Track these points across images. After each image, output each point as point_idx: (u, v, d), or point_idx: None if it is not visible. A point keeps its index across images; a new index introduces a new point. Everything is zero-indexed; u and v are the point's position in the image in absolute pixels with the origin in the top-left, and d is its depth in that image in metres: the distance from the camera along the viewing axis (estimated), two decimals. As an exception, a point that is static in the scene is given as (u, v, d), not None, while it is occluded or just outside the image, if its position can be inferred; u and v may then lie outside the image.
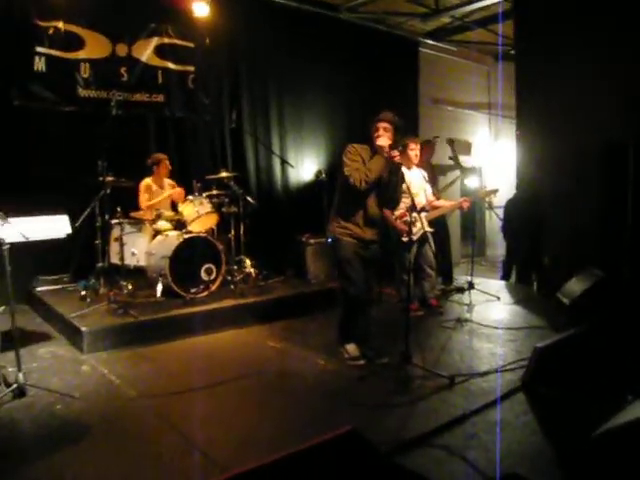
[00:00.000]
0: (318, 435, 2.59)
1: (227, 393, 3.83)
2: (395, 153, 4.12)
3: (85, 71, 6.63)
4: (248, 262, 6.41)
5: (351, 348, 4.32)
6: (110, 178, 5.51)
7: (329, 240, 4.50)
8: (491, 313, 5.82)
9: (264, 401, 3.71)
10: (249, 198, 6.45)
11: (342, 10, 8.52)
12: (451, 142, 7.30)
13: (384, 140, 4.16)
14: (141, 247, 5.98)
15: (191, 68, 7.50)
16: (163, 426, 3.29)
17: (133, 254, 5.95)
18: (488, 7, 8.33)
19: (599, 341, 4.26)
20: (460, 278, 7.31)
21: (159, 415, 3.44)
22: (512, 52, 8.80)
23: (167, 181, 6.54)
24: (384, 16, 8.93)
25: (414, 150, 5.56)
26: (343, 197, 4.30)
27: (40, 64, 6.34)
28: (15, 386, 3.60)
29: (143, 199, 6.27)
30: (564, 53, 7.02)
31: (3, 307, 3.82)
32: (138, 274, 6.01)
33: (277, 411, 3.53)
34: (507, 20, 8.42)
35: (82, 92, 6.62)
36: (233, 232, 6.37)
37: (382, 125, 4.22)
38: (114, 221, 5.83)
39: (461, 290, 6.63)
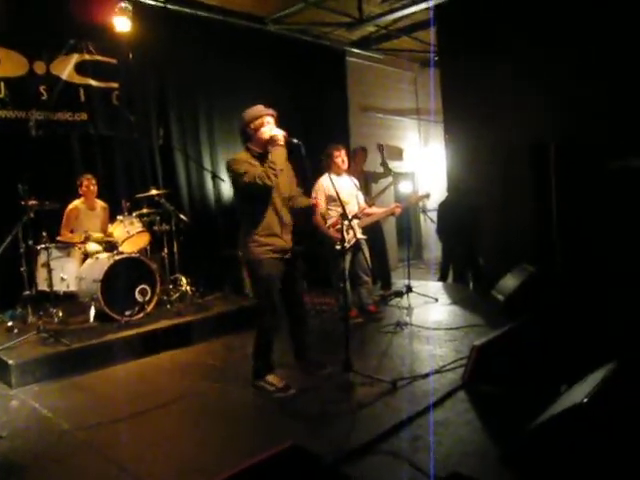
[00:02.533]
0: (260, 452, 2.54)
1: (165, 417, 3.71)
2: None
3: (0, 91, 6.35)
4: (184, 280, 6.28)
5: (274, 379, 3.98)
6: (33, 202, 5.28)
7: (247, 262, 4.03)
8: (430, 315, 5.90)
9: (204, 422, 3.61)
10: (181, 215, 6.33)
11: (268, 22, 8.51)
12: (380, 148, 7.43)
13: (278, 130, 3.90)
14: (71, 272, 5.76)
15: (115, 85, 7.29)
16: (99, 458, 3.15)
17: (62, 279, 5.71)
18: (411, 15, 8.48)
19: (534, 335, 4.37)
20: (398, 282, 7.39)
21: (94, 447, 3.29)
22: (437, 59, 9.02)
23: (98, 202, 6.36)
24: (310, 27, 8.99)
25: (339, 157, 5.58)
26: (252, 211, 3.92)
27: (-51, 85, 6.03)
28: None
29: (63, 228, 6.12)
30: (485, 57, 7.27)
31: None
32: (69, 300, 5.79)
33: (218, 432, 3.45)
34: (431, 27, 8.61)
35: (-2, 113, 6.34)
36: (166, 250, 6.24)
37: (268, 119, 3.98)
38: (40, 246, 5.57)
39: (399, 294, 6.69)
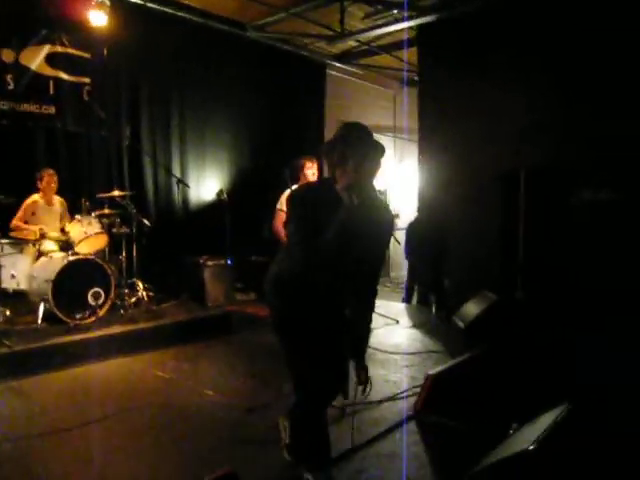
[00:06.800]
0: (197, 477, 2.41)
1: (103, 431, 3.53)
2: None
3: (-40, 77, 6.13)
4: (140, 285, 6.10)
5: None
6: (-13, 194, 5.09)
7: None
8: (389, 337, 5.79)
9: (144, 439, 3.44)
10: (144, 220, 6.16)
11: (249, 28, 8.41)
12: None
13: None
14: (22, 269, 5.53)
15: (87, 80, 7.10)
16: (24, 476, 2.96)
17: (13, 277, 5.47)
18: (393, 34, 8.48)
19: (490, 366, 4.31)
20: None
21: (21, 461, 3.10)
22: (416, 79, 9.02)
23: (56, 198, 6.15)
24: (291, 37, 8.91)
25: (311, 168, 5.43)
26: None
27: None
28: None
29: (16, 217, 5.86)
30: (462, 80, 7.30)
31: None
32: (18, 298, 5.55)
33: (157, 451, 3.28)
34: (412, 47, 8.61)
35: (-40, 99, 6.11)
36: (125, 254, 6.06)
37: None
38: (-10, 241, 5.36)
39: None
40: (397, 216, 6.50)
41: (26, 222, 5.87)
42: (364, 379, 2.77)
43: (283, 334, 2.74)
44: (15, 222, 5.83)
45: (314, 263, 2.60)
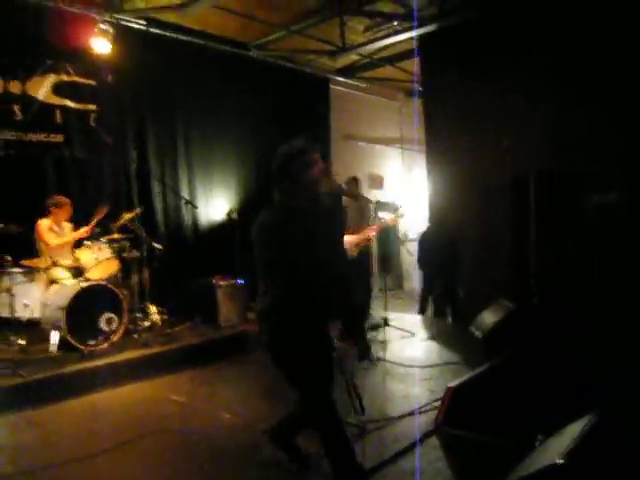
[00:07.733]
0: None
1: (122, 458, 3.49)
2: None
3: (-29, 110, 6.17)
4: (153, 309, 6.07)
5: None
6: (-1, 225, 5.09)
7: None
8: (406, 350, 5.72)
9: (162, 465, 3.41)
10: (155, 244, 6.15)
11: (251, 48, 8.45)
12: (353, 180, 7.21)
13: None
14: (35, 297, 5.52)
15: (93, 107, 7.14)
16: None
17: (26, 306, 5.47)
18: (395, 45, 8.47)
19: (511, 376, 4.22)
20: (375, 314, 7.20)
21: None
22: (420, 89, 9.00)
23: (66, 224, 6.14)
24: (293, 54, 8.94)
25: None
26: None
27: None
28: None
29: (50, 237, 5.82)
30: (467, 91, 7.25)
31: None
32: (31, 327, 5.52)
33: (176, 476, 3.25)
34: (415, 57, 8.59)
35: (-31, 132, 6.15)
36: (136, 278, 6.03)
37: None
38: (2, 270, 5.34)
39: (375, 327, 6.51)
40: (402, 216, 6.32)
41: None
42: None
43: (286, 355, 2.97)
44: (54, 242, 5.82)
45: (307, 278, 2.81)
